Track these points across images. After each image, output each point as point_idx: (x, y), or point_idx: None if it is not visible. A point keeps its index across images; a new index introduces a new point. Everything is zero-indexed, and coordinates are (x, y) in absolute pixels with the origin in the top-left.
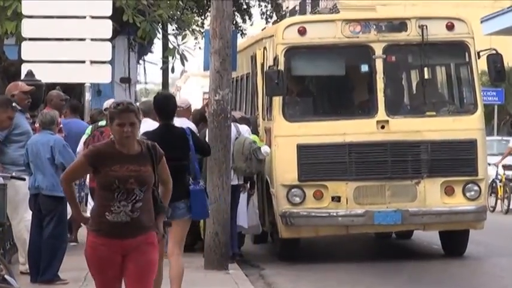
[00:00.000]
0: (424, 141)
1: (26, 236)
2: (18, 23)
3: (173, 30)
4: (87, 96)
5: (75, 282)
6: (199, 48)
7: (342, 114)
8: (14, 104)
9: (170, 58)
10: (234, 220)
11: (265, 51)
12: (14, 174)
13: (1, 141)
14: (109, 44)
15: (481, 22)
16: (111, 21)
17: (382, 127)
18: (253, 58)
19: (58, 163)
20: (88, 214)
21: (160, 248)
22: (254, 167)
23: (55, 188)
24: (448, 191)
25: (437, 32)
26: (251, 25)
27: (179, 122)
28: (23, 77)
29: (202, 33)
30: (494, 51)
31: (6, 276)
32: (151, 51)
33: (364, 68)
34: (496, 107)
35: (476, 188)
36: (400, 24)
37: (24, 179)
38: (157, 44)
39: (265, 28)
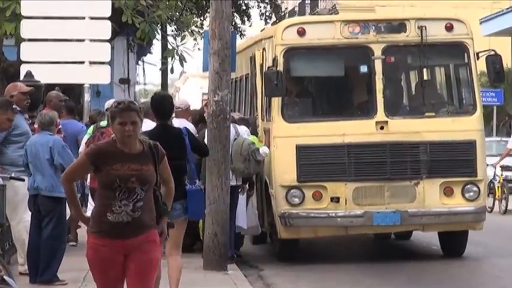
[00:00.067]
0: (423, 142)
1: (25, 236)
2: (17, 24)
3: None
4: (86, 97)
5: (74, 282)
6: (198, 49)
7: (341, 115)
8: (14, 106)
9: (169, 59)
10: (233, 221)
11: (264, 52)
12: (13, 174)
13: (0, 142)
14: (108, 45)
15: (480, 23)
16: (110, 22)
17: (381, 128)
18: (253, 59)
19: (57, 164)
20: (88, 214)
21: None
22: (252, 168)
23: (54, 188)
24: (447, 191)
25: (436, 33)
26: (250, 26)
27: (178, 122)
28: (22, 77)
29: (201, 34)
30: (493, 52)
31: (5, 277)
32: (150, 52)
33: (363, 68)
34: (495, 107)
35: (475, 188)
36: (399, 25)
37: (23, 180)
38: (157, 45)
39: (264, 29)
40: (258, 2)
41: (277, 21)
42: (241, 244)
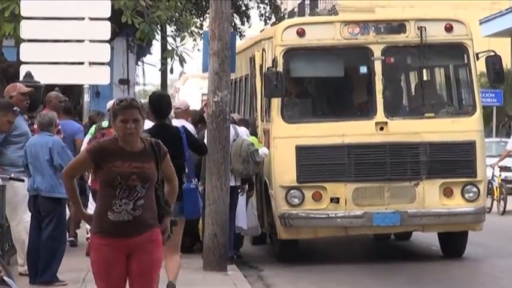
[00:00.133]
0: (423, 143)
1: (24, 237)
2: (16, 24)
3: (172, 31)
4: (86, 97)
5: (74, 283)
6: (198, 49)
7: (340, 116)
8: (15, 109)
9: (169, 59)
10: (233, 221)
11: (264, 53)
12: (12, 175)
13: (0, 142)
14: (108, 46)
15: (480, 24)
16: (110, 22)
17: (381, 128)
18: (252, 60)
19: (57, 164)
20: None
21: None
22: (251, 169)
23: (54, 189)
24: (447, 192)
25: (436, 33)
26: (249, 27)
27: (178, 123)
28: (21, 78)
29: (201, 34)
30: (493, 53)
31: (5, 278)
32: (150, 53)
33: (363, 69)
34: (494, 108)
35: (475, 189)
36: (398, 26)
37: (23, 180)
38: (156, 46)
39: (263, 30)
40: (258, 3)
41: (277, 22)
42: (241, 245)
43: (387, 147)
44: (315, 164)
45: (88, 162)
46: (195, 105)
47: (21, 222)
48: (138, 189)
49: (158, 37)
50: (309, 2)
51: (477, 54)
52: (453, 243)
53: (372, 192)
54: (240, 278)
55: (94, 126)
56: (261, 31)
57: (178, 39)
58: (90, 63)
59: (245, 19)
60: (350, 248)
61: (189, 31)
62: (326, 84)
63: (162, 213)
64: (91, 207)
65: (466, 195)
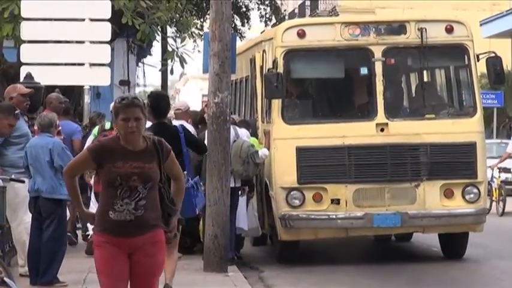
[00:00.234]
0: (424, 144)
1: (25, 238)
2: (15, 25)
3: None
4: (86, 98)
5: (75, 284)
6: (199, 51)
7: (341, 117)
8: (17, 112)
9: (169, 61)
10: (233, 222)
11: (264, 54)
12: (13, 176)
13: (0, 144)
14: (108, 47)
15: (480, 25)
16: (110, 23)
17: (382, 130)
18: (253, 61)
19: (57, 166)
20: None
21: None
22: (251, 170)
23: (54, 190)
24: (448, 193)
25: (436, 34)
26: (249, 28)
27: (177, 124)
28: (22, 79)
29: (202, 35)
30: (493, 54)
31: (6, 279)
32: (150, 54)
33: (364, 70)
34: (495, 109)
35: (475, 190)
36: (399, 27)
37: (23, 182)
38: (157, 47)
39: (264, 31)
40: (258, 4)
41: (277, 23)
42: (241, 246)
43: (388, 149)
44: (315, 165)
45: (89, 161)
46: (196, 106)
47: (21, 224)
48: (140, 190)
49: (158, 38)
50: (309, 3)
51: (478, 56)
52: (454, 245)
53: (372, 194)
54: (240, 279)
55: (97, 127)
56: (261, 32)
57: (178, 40)
58: (91, 64)
59: (245, 20)
60: (350, 249)
61: (190, 32)
62: (326, 86)
63: (168, 213)
64: (93, 207)
65: (467, 197)
